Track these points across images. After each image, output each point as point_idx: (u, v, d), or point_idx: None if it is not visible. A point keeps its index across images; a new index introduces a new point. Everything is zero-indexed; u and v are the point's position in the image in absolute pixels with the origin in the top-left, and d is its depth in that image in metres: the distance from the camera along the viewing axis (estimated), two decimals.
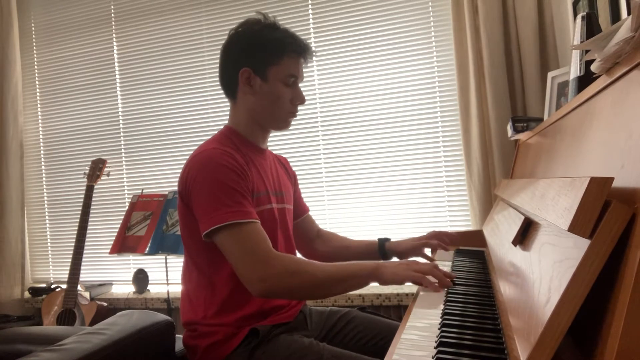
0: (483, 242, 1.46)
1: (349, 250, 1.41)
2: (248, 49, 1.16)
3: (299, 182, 1.50)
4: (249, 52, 1.16)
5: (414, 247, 1.32)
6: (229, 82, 1.20)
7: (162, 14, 2.55)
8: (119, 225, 2.22)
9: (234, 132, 1.22)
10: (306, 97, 2.26)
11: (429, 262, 1.09)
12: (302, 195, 1.49)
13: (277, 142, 2.34)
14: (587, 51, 0.85)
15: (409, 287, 2.11)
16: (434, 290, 0.97)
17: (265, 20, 1.20)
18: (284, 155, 2.27)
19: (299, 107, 1.27)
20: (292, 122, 1.28)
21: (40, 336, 1.16)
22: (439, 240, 1.30)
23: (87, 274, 2.64)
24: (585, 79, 0.95)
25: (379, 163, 2.23)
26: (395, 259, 1.36)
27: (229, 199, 1.04)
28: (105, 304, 2.39)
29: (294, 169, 1.46)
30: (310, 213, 1.48)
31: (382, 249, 1.36)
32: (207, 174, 1.06)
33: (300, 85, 1.25)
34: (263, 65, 1.15)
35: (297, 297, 1.07)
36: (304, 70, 1.24)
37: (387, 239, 1.38)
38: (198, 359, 1.12)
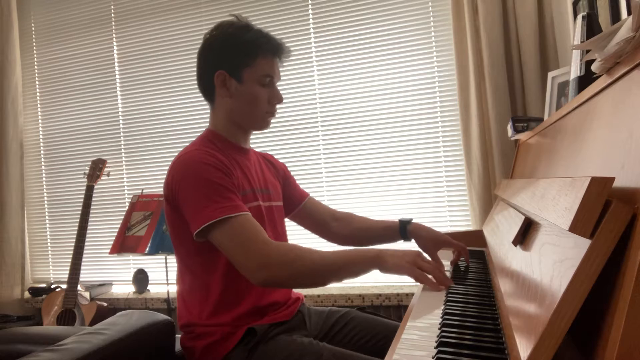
0: (483, 242, 1.46)
1: (369, 232, 1.37)
2: (222, 51, 1.16)
3: (298, 179, 1.48)
4: (223, 55, 1.16)
5: (436, 239, 1.27)
6: (206, 86, 1.21)
7: (162, 14, 2.55)
8: (119, 225, 2.22)
9: (215, 134, 1.22)
10: (306, 97, 2.27)
11: (433, 260, 1.07)
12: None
13: (277, 142, 2.33)
14: (587, 51, 0.85)
15: (409, 287, 2.11)
16: (434, 289, 0.97)
17: (238, 22, 1.19)
18: (284, 155, 2.28)
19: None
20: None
21: (40, 336, 1.16)
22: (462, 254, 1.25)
23: (87, 274, 2.64)
24: (586, 79, 0.95)
25: (378, 163, 2.23)
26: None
27: (217, 195, 1.04)
28: (105, 304, 2.39)
29: (294, 169, 1.46)
30: (314, 196, 1.46)
31: (404, 231, 1.32)
32: (191, 174, 1.07)
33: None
34: (237, 67, 1.16)
35: (298, 285, 1.06)
36: (280, 69, 1.23)
37: (409, 221, 1.33)
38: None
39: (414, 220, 1.34)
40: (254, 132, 1.31)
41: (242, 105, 1.18)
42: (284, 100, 1.29)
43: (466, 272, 1.14)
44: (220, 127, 1.23)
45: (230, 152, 1.19)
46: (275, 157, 1.47)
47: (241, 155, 1.23)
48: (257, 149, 1.39)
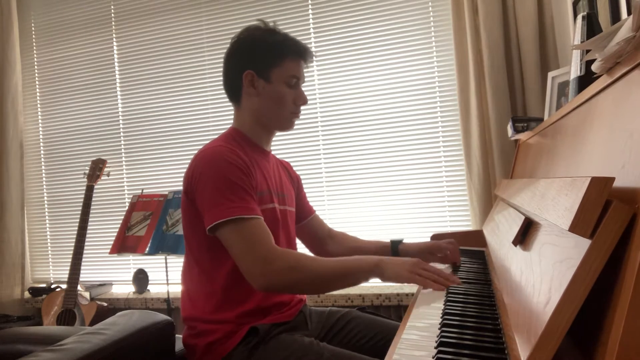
0: (483, 242, 1.46)
1: (361, 252, 1.40)
2: (251, 52, 1.19)
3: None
4: (252, 55, 1.19)
5: (427, 248, 1.31)
6: (233, 86, 1.23)
7: (162, 14, 2.55)
8: (119, 225, 2.22)
9: (239, 133, 1.24)
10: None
11: (433, 266, 1.08)
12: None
13: (277, 143, 2.33)
14: (587, 51, 0.85)
15: (409, 287, 2.11)
16: (437, 289, 0.97)
17: (265, 26, 1.23)
18: (285, 155, 2.28)
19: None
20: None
21: (40, 336, 1.16)
22: (452, 253, 1.27)
23: (87, 274, 2.64)
24: (586, 79, 0.95)
25: (379, 163, 2.23)
26: None
27: (234, 194, 1.06)
28: (105, 304, 2.39)
29: (294, 169, 1.48)
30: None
31: (396, 251, 1.36)
32: (212, 170, 1.08)
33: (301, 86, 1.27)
34: (266, 67, 1.18)
35: (298, 292, 1.09)
36: (304, 72, 1.27)
37: (400, 241, 1.38)
38: (197, 358, 1.12)
39: (405, 240, 1.40)
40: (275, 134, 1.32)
41: (269, 104, 1.20)
42: None
43: (467, 272, 1.14)
44: (244, 127, 1.24)
45: (251, 153, 1.20)
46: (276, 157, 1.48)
47: (262, 157, 1.25)
48: None
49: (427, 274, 1.00)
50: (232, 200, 1.05)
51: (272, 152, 1.36)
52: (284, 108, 1.21)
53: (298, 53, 1.21)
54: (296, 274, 1.02)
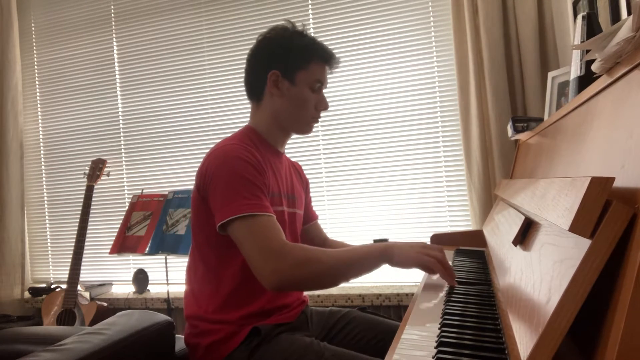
0: (483, 242, 1.45)
1: None
2: (278, 52, 1.19)
3: None
4: (279, 56, 1.18)
5: None
6: (256, 84, 1.22)
7: (162, 14, 2.55)
8: (119, 225, 2.22)
9: (255, 132, 1.23)
10: None
11: (439, 248, 1.07)
12: None
13: None
14: (587, 51, 0.85)
15: (409, 287, 2.11)
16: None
17: (293, 27, 1.22)
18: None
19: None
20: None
21: (40, 336, 1.16)
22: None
23: (87, 274, 2.64)
24: (586, 79, 0.95)
25: (379, 163, 2.23)
26: None
27: (247, 191, 1.05)
28: (105, 304, 2.39)
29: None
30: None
31: None
32: (226, 166, 1.07)
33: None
34: (292, 69, 1.18)
35: (310, 288, 1.07)
36: (328, 77, 1.26)
37: (385, 241, 1.42)
38: (199, 357, 1.12)
39: (389, 240, 1.40)
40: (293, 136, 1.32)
41: (291, 107, 1.20)
42: None
43: (467, 272, 1.14)
44: (261, 126, 1.24)
45: (265, 153, 1.20)
46: None
47: (275, 158, 1.24)
48: None
49: (435, 254, 1.00)
50: (245, 197, 1.04)
51: (287, 156, 1.36)
52: (306, 112, 1.21)
53: (324, 58, 1.21)
54: (307, 269, 1.00)
